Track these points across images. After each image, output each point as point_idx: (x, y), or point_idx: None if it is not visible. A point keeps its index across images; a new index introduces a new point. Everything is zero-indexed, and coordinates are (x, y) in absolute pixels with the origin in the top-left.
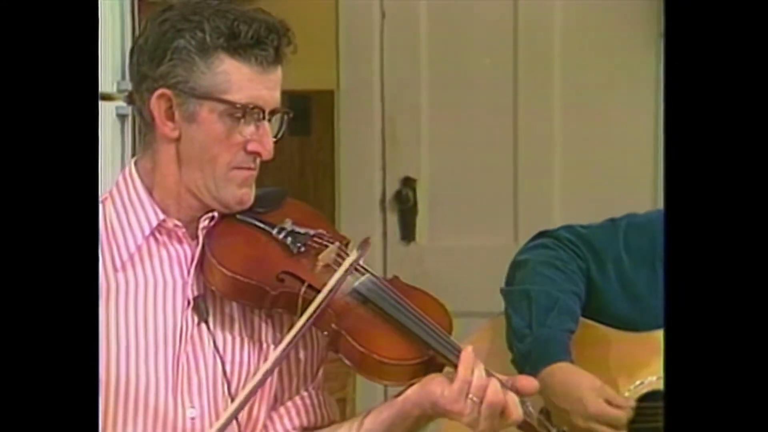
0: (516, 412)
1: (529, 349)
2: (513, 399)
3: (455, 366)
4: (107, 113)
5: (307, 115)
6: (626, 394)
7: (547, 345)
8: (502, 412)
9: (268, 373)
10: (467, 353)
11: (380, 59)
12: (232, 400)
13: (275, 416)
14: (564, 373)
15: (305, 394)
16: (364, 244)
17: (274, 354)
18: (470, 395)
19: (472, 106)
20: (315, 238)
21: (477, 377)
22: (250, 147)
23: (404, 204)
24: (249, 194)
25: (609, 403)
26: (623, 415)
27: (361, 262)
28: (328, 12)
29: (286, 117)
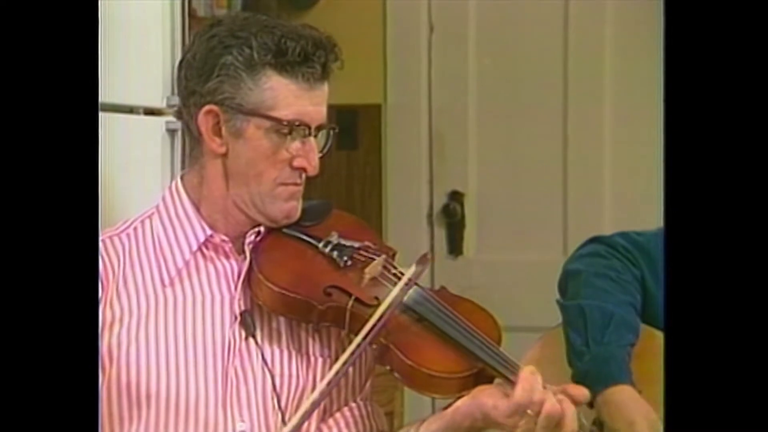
0: (572, 425)
1: (588, 368)
2: (572, 411)
3: (505, 377)
4: (156, 128)
5: (354, 130)
6: None
7: (606, 365)
8: (557, 423)
9: (324, 395)
10: (527, 373)
11: (428, 73)
12: (283, 413)
13: (324, 428)
14: (621, 396)
15: (353, 405)
16: (423, 260)
17: (327, 376)
18: (528, 410)
19: (521, 120)
20: (361, 251)
21: (537, 396)
22: (296, 163)
23: (452, 218)
24: (296, 208)
25: None
26: None
27: (415, 278)
28: (375, 26)
29: (332, 132)
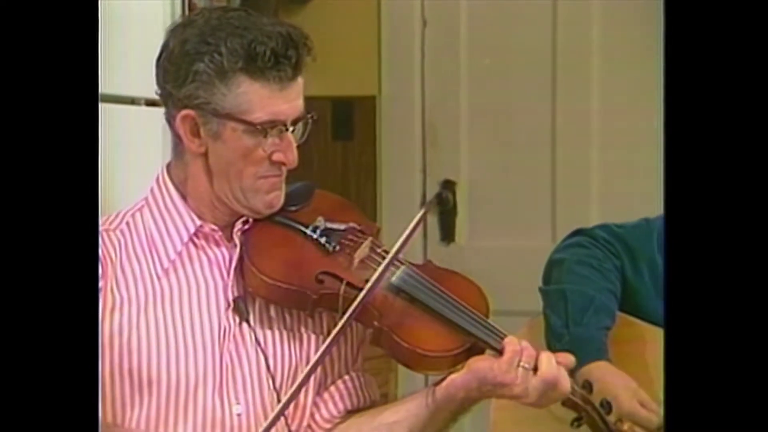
0: (565, 384)
1: (567, 348)
2: (563, 371)
3: (495, 349)
4: (158, 119)
5: (349, 120)
6: None
7: (584, 344)
8: (553, 386)
9: (308, 376)
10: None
11: (421, 65)
12: (278, 394)
13: (320, 402)
14: (601, 371)
15: (347, 377)
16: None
17: (314, 357)
18: (522, 363)
19: (511, 111)
20: (348, 234)
21: (526, 347)
22: (275, 157)
23: (444, 206)
24: (278, 197)
25: (642, 405)
26: (654, 418)
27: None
28: (370, 20)
29: (310, 121)
